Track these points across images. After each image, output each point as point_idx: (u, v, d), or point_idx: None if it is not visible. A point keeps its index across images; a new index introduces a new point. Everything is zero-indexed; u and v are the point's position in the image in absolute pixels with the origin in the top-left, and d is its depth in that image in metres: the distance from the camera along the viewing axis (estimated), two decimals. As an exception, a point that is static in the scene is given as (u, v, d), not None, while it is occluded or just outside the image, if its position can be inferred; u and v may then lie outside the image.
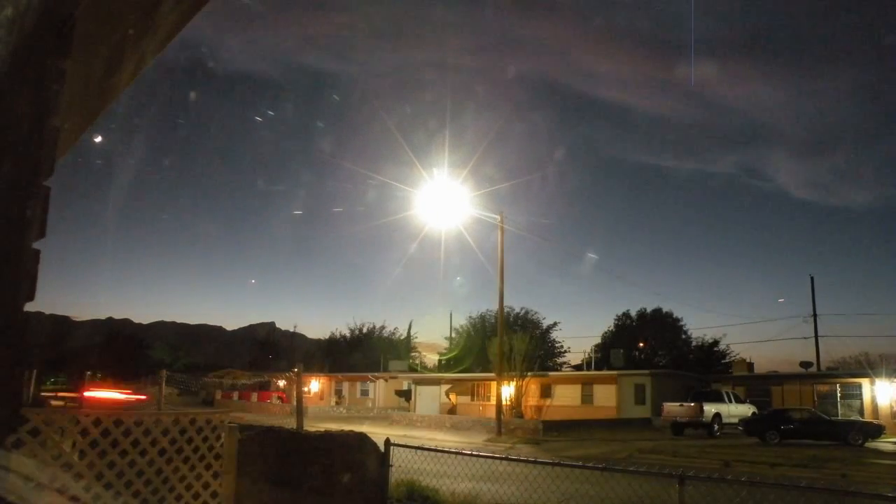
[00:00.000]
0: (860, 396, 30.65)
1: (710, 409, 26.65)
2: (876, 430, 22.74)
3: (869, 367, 29.90)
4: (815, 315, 44.42)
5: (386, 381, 46.51)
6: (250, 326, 65.64)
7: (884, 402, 29.59)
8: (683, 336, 54.00)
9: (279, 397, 45.05)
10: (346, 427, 9.32)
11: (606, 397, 35.12)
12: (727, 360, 47.11)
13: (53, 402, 22.35)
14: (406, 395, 39.87)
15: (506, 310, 28.82)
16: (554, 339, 52.56)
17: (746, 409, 28.71)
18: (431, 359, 45.56)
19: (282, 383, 47.72)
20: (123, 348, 59.91)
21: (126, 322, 62.50)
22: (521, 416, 32.26)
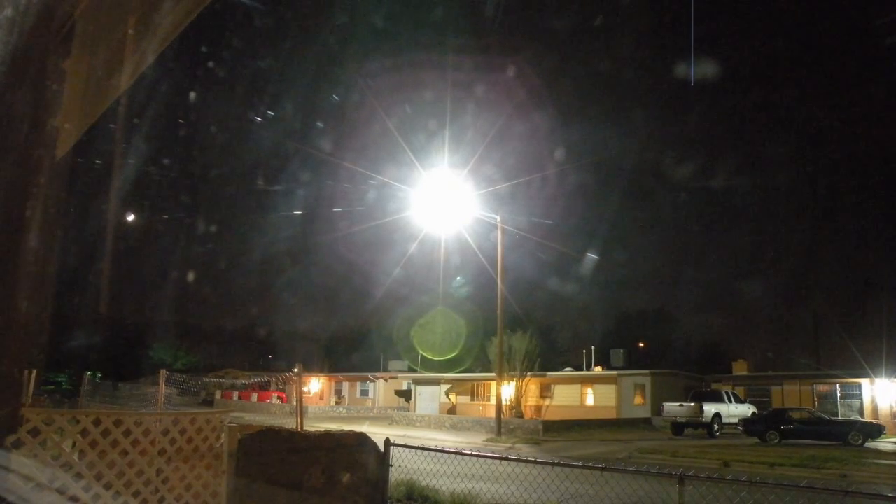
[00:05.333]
0: (860, 396, 30.66)
1: (709, 409, 26.65)
2: (876, 430, 22.74)
3: (869, 367, 29.90)
4: (815, 315, 44.44)
5: (386, 381, 46.52)
6: (250, 326, 65.58)
7: (884, 402, 29.60)
8: (684, 336, 54.04)
9: (279, 397, 45.05)
10: (346, 427, 9.31)
11: (606, 397, 35.13)
12: (727, 360, 47.10)
13: None
14: (406, 395, 39.88)
15: (506, 310, 28.86)
16: (554, 339, 52.57)
17: (746, 409, 28.72)
18: (431, 358, 45.58)
19: (274, 379, 47.76)
20: (123, 348, 59.82)
21: (126, 322, 62.36)
22: (520, 416, 32.27)
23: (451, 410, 36.53)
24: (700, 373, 40.31)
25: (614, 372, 36.50)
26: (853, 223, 66.60)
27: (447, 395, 38.22)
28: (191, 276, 50.69)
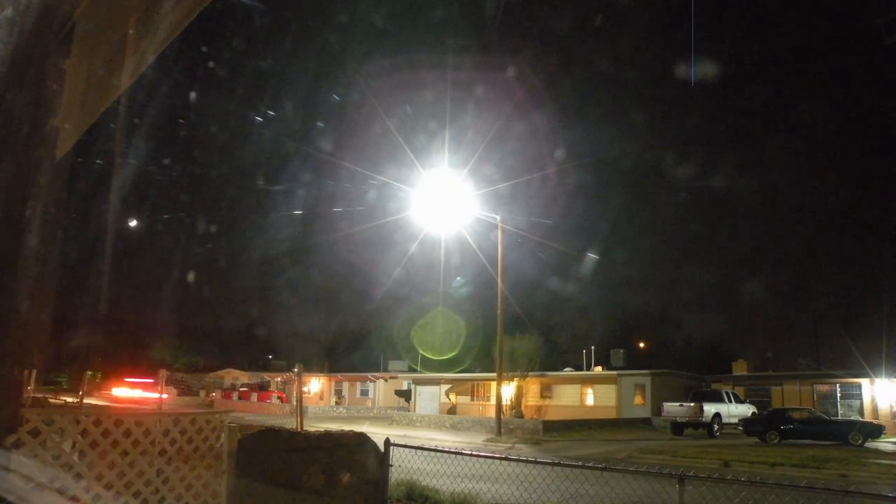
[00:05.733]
0: (860, 396, 30.67)
1: (710, 409, 26.66)
2: (876, 430, 22.74)
3: (869, 367, 29.91)
4: (815, 315, 44.44)
5: (386, 380, 46.53)
6: (250, 326, 65.49)
7: (884, 402, 29.60)
8: (684, 336, 54.03)
9: (279, 397, 45.05)
10: (346, 427, 9.31)
11: (606, 397, 35.13)
12: (727, 360, 47.13)
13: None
14: (406, 394, 39.89)
15: (506, 310, 28.89)
16: (554, 339, 52.50)
17: (746, 409, 28.73)
18: (431, 358, 45.62)
19: (279, 379, 47.80)
20: (123, 348, 59.87)
21: (126, 322, 62.37)
22: (521, 416, 32.28)
23: (452, 410, 36.52)
24: (700, 373, 40.31)
25: (614, 372, 36.49)
26: (853, 223, 66.58)
27: (447, 395, 38.22)
28: (191, 276, 50.64)
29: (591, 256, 48.12)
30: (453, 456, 7.32)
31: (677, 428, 26.77)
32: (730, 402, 28.76)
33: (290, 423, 14.96)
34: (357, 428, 7.79)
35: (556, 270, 50.90)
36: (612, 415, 33.16)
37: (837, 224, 66.88)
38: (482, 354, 39.88)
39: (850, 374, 31.07)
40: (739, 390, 33.17)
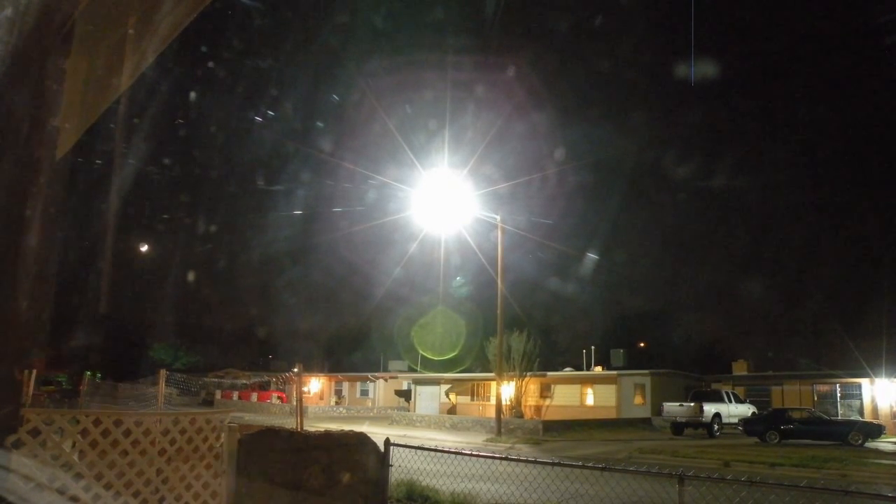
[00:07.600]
0: (860, 396, 30.68)
1: (709, 409, 26.66)
2: (876, 430, 22.74)
3: (869, 367, 29.91)
4: (815, 315, 44.44)
5: (386, 380, 46.54)
6: (250, 326, 65.40)
7: (884, 402, 29.61)
8: (684, 336, 54.03)
9: (279, 397, 45.06)
10: (346, 427, 9.32)
11: (606, 397, 35.13)
12: (727, 360, 47.13)
13: None
14: (406, 394, 39.90)
15: (506, 310, 28.90)
16: (554, 339, 52.51)
17: (746, 409, 28.73)
18: (431, 358, 45.61)
19: (278, 379, 47.83)
20: (123, 348, 59.82)
21: (126, 322, 62.30)
22: (520, 416, 32.28)
23: (451, 410, 36.53)
24: (700, 373, 40.31)
25: (614, 372, 36.49)
26: (853, 222, 66.56)
27: (447, 395, 38.23)
28: (191, 276, 50.64)
29: (591, 256, 48.14)
30: (453, 456, 7.32)
31: (677, 428, 26.77)
32: (730, 402, 28.76)
33: (290, 423, 14.97)
34: (357, 428, 7.79)
35: (556, 270, 50.89)
36: (611, 415, 33.16)
37: (837, 224, 66.88)
38: (482, 354, 39.87)
39: (850, 374, 31.07)
40: (739, 390, 33.18)
